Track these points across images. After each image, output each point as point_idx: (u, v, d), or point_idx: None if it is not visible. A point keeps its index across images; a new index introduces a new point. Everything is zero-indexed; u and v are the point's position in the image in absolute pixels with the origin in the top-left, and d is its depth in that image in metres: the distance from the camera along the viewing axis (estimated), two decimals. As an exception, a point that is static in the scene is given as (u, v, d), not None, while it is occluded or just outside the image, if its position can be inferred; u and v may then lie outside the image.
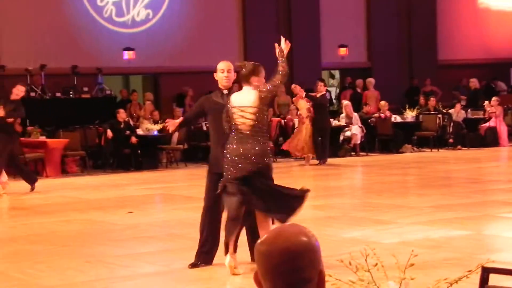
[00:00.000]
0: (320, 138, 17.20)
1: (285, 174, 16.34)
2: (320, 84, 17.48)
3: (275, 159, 18.49)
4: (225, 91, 7.43)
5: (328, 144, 17.52)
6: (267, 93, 6.98)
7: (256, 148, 6.91)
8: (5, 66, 19.18)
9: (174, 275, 7.37)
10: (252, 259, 7.09)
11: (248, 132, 6.94)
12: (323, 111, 17.42)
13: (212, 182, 7.31)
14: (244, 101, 6.97)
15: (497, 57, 26.46)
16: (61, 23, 20.54)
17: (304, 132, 17.21)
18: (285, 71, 7.10)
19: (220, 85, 7.48)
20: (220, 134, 7.17)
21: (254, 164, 6.89)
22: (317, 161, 17.24)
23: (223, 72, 7.44)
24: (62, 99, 19.29)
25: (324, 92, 17.54)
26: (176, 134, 17.32)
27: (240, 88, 7.22)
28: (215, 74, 7.51)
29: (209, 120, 7.72)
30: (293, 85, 17.81)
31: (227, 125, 7.06)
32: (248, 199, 6.89)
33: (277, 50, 7.17)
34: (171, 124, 7.85)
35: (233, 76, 7.50)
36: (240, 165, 6.89)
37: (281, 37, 7.28)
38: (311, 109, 17.32)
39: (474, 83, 23.85)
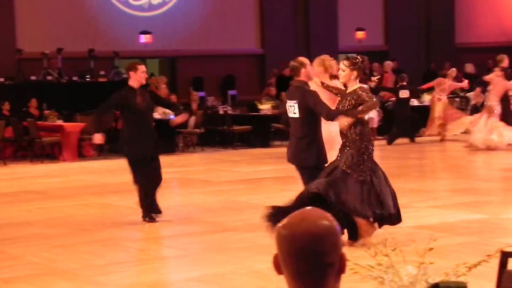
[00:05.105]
0: None
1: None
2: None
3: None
4: None
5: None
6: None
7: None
8: (22, 50, 19.22)
9: (191, 258, 7.37)
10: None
11: None
12: None
13: None
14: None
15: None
16: (78, 6, 20.55)
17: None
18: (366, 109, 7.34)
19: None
20: None
21: None
22: None
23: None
24: (79, 83, 19.31)
25: None
26: (193, 117, 17.30)
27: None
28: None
29: None
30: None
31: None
32: None
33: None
34: None
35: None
36: None
37: None
38: None
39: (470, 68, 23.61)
